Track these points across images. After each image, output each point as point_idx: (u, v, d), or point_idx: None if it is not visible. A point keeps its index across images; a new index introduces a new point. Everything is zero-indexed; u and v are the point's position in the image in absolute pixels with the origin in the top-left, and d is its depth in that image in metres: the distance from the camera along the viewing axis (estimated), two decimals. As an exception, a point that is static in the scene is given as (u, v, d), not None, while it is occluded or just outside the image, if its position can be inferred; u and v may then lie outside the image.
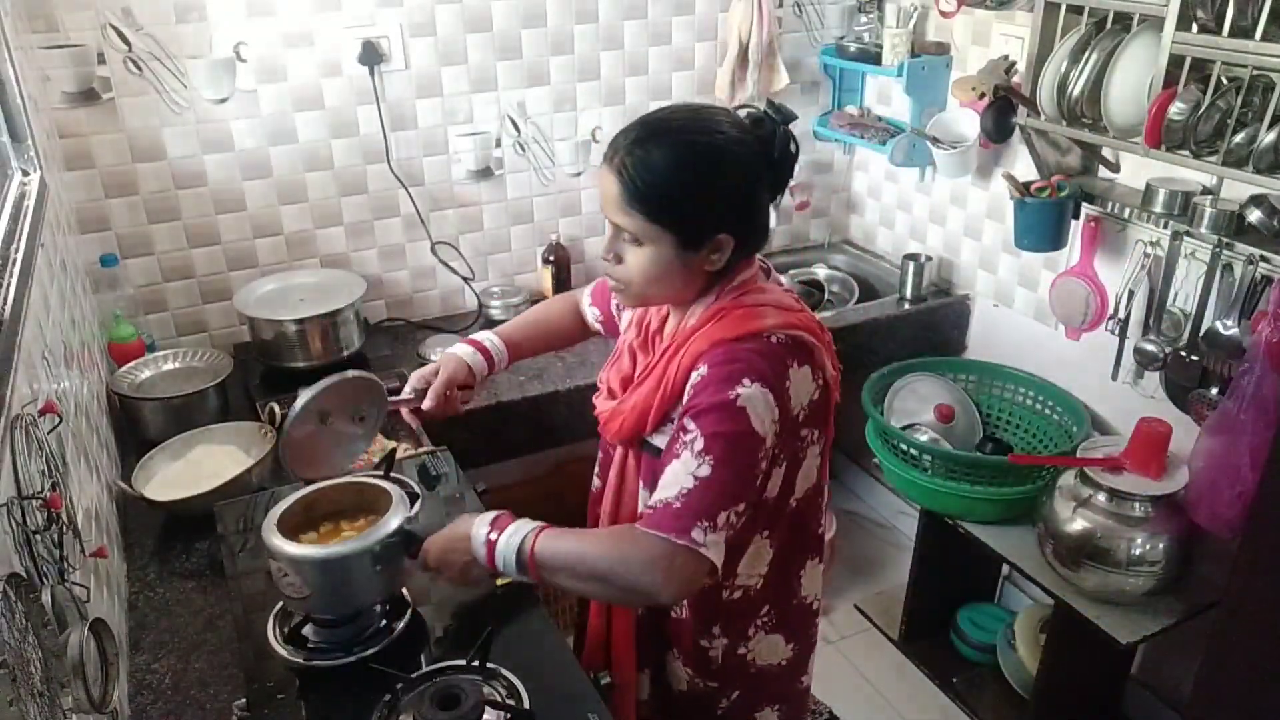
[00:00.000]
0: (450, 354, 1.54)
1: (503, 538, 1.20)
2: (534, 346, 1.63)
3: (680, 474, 1.13)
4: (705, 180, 1.14)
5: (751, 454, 1.14)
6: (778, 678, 1.42)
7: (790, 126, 1.20)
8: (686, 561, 1.11)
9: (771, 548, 1.31)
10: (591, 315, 1.60)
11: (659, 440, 1.25)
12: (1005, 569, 2.64)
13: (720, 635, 1.35)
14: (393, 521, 1.27)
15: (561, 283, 2.63)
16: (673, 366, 1.21)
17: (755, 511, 1.23)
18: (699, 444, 1.13)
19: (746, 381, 1.14)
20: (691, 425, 1.15)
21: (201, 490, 1.66)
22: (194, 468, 1.77)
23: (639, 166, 1.14)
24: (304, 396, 1.34)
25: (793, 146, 1.20)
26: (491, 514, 1.25)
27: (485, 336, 1.57)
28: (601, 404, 1.38)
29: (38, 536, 1.00)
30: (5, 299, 1.13)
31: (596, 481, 1.47)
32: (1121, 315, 2.15)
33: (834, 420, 1.30)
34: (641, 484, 1.33)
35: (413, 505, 1.56)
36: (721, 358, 1.16)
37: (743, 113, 1.21)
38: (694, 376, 1.18)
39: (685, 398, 1.18)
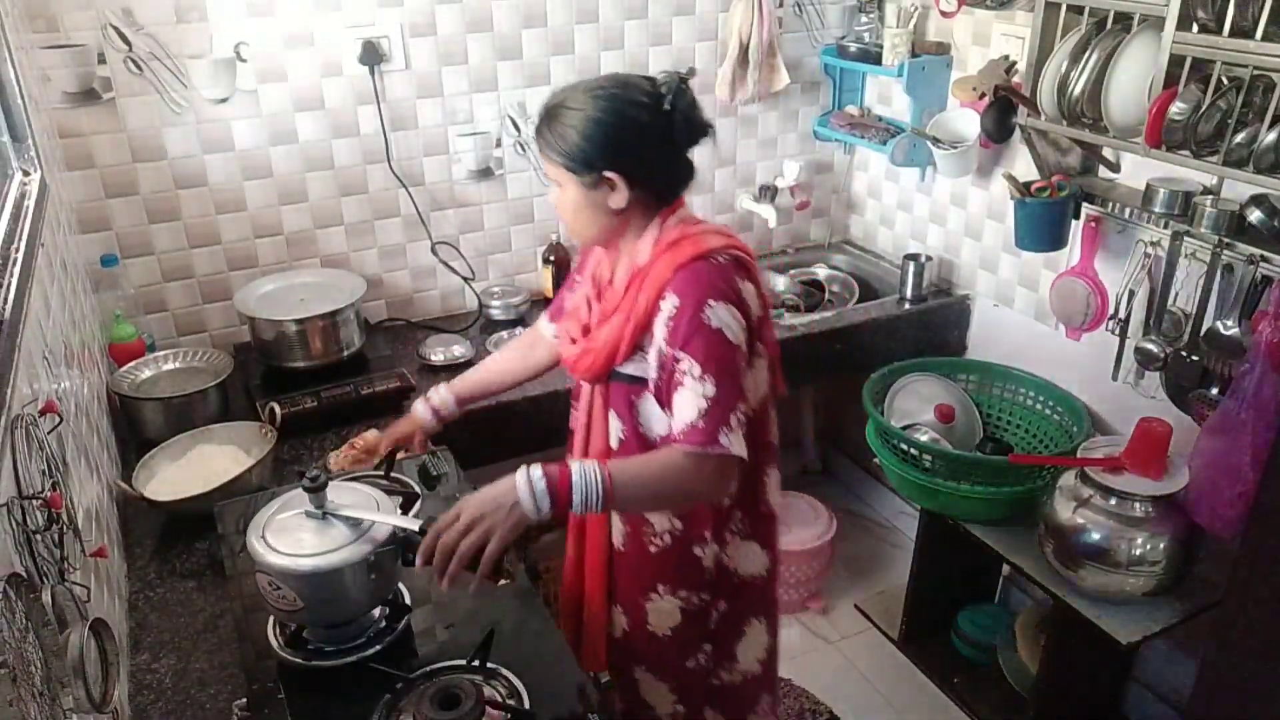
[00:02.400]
0: (406, 419, 1.72)
1: (576, 470, 1.26)
2: (490, 393, 1.77)
3: (692, 399, 1.31)
4: (595, 125, 1.32)
5: (736, 363, 1.34)
6: (759, 589, 1.57)
7: (689, 81, 1.36)
8: (722, 463, 1.31)
9: None
10: (550, 333, 1.71)
11: (630, 369, 1.41)
12: (1005, 569, 2.64)
13: (711, 541, 1.50)
14: (384, 530, 1.26)
15: (561, 282, 2.62)
16: (640, 299, 1.37)
17: None
18: (697, 370, 1.31)
19: (712, 303, 1.32)
20: (683, 356, 1.32)
21: (201, 490, 1.66)
22: (194, 468, 1.77)
23: (548, 119, 1.37)
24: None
25: (687, 97, 1.35)
26: (527, 468, 1.27)
27: (437, 396, 1.72)
28: (567, 349, 1.52)
29: (38, 536, 1.00)
30: (5, 299, 1.13)
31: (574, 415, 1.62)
32: (1122, 315, 2.15)
33: (773, 337, 1.47)
34: (612, 413, 1.47)
35: (413, 505, 1.57)
36: (687, 286, 1.33)
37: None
38: (666, 307, 1.34)
39: (663, 329, 1.34)
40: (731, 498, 1.49)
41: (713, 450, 1.29)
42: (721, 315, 1.32)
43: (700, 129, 1.37)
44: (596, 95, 1.33)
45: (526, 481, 1.23)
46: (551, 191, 1.44)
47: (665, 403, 1.36)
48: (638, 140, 1.34)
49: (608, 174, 1.34)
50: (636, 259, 1.41)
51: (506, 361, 1.80)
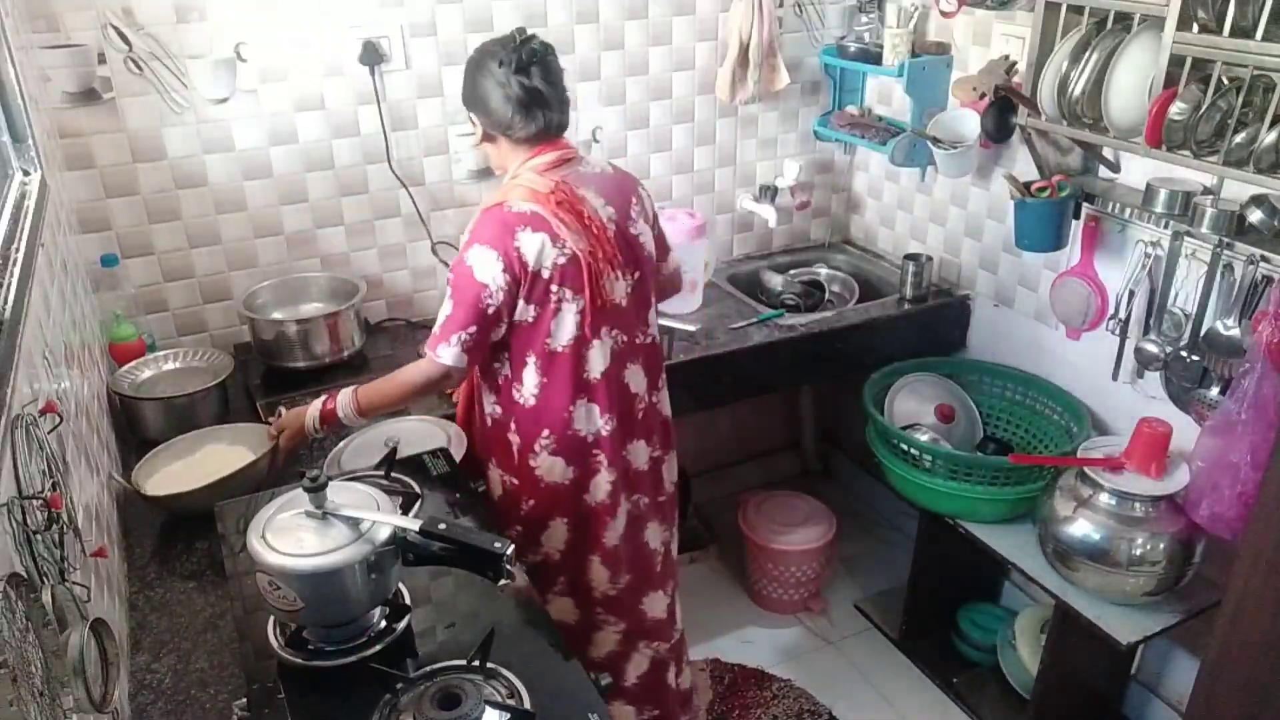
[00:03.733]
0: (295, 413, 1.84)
1: (340, 395, 1.75)
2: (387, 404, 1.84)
3: (439, 313, 1.67)
4: (465, 77, 1.71)
5: (474, 294, 1.62)
6: (564, 494, 1.80)
7: (532, 36, 1.64)
8: (436, 366, 1.67)
9: (540, 375, 1.72)
10: None
11: None
12: (1005, 569, 2.64)
13: (515, 432, 1.78)
14: (385, 530, 1.26)
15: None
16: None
17: (515, 337, 1.69)
18: (447, 293, 1.66)
19: (476, 245, 1.63)
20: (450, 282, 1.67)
21: (199, 485, 1.66)
22: (198, 466, 1.78)
23: None
24: None
25: (526, 51, 1.61)
26: (320, 399, 1.77)
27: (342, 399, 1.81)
28: None
29: (38, 536, 1.00)
30: (6, 299, 1.13)
31: None
32: (1122, 315, 2.15)
33: (595, 294, 1.67)
34: None
35: (413, 505, 1.57)
36: (471, 229, 1.66)
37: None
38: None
39: None
40: (544, 420, 1.75)
41: (432, 355, 1.66)
42: (476, 255, 1.62)
43: (523, 71, 1.63)
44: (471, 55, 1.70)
45: (314, 406, 1.76)
46: None
47: None
48: (482, 86, 1.66)
49: (470, 116, 1.72)
50: None
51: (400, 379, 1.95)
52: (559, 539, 1.84)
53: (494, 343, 1.71)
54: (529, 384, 1.73)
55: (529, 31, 1.65)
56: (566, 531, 1.84)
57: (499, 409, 1.80)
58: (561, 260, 1.64)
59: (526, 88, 1.63)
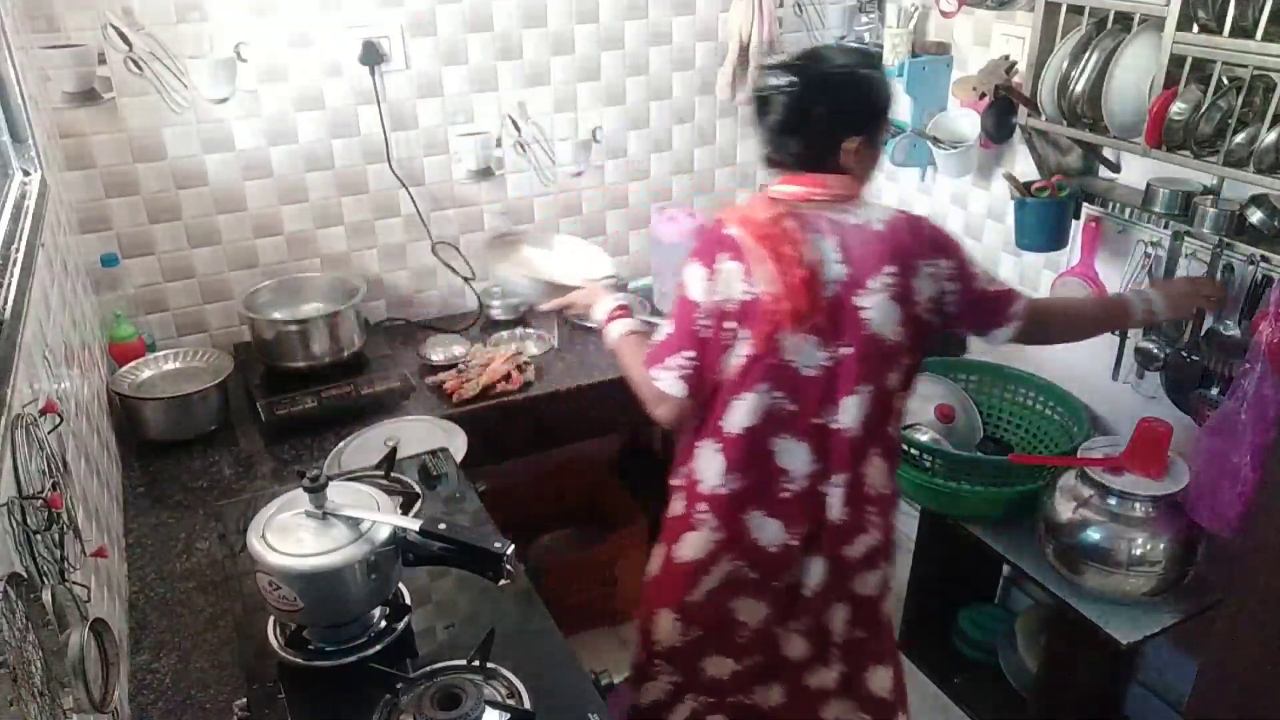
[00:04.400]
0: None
1: (618, 321, 1.68)
2: None
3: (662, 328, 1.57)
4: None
5: (687, 313, 1.51)
6: (669, 531, 1.71)
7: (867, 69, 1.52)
8: (650, 387, 1.56)
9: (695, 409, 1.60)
10: None
11: None
12: (1005, 569, 2.64)
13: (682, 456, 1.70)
14: (385, 530, 1.26)
15: (562, 283, 2.63)
16: None
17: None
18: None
19: (690, 259, 1.52)
20: None
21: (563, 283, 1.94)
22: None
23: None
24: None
25: (826, 74, 1.48)
26: (616, 303, 1.72)
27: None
28: None
29: (38, 536, 1.00)
30: (6, 299, 1.13)
31: None
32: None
33: (769, 345, 1.49)
34: None
35: (413, 505, 1.57)
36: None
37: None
38: None
39: None
40: (679, 455, 1.69)
41: (648, 374, 1.56)
42: (688, 271, 1.51)
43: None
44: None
45: (605, 306, 1.71)
46: None
47: None
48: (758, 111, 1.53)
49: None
50: None
51: None
52: (655, 559, 1.77)
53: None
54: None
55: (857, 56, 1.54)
56: (663, 554, 1.75)
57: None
58: (747, 298, 1.48)
59: (776, 116, 1.50)
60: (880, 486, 1.65)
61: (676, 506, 1.71)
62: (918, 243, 1.53)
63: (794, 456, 1.58)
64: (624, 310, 1.71)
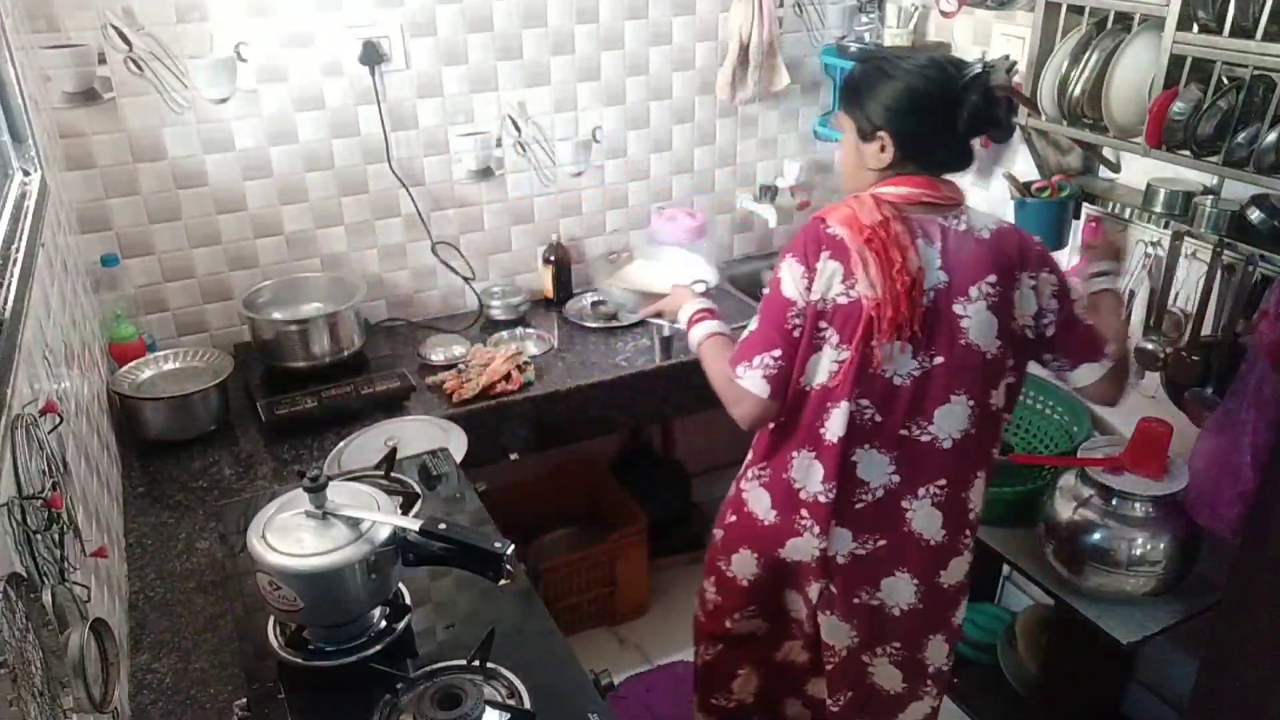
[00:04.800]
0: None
1: (698, 329, 1.70)
2: None
3: (749, 325, 1.54)
4: (877, 75, 1.49)
5: (780, 311, 1.47)
6: (757, 531, 1.68)
7: (993, 73, 1.48)
8: (732, 387, 1.54)
9: (777, 411, 1.55)
10: None
11: None
12: (1005, 569, 2.64)
13: (744, 460, 1.71)
14: (385, 530, 1.26)
15: (562, 283, 2.63)
16: None
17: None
18: (757, 307, 1.53)
19: (787, 256, 1.47)
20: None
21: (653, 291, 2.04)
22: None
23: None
24: None
25: (980, 85, 1.45)
26: (699, 306, 1.74)
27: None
28: None
29: (38, 536, 1.00)
30: (6, 299, 1.13)
31: None
32: (1122, 315, 2.15)
33: (865, 352, 1.45)
34: None
35: (413, 505, 1.57)
36: (794, 237, 1.49)
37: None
38: None
39: None
40: (765, 451, 1.65)
41: (731, 373, 1.53)
42: (785, 267, 1.47)
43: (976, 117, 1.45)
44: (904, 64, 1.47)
45: (688, 310, 1.73)
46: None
47: None
48: (911, 109, 1.45)
49: (881, 133, 1.47)
50: None
51: None
52: (749, 566, 1.72)
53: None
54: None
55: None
56: (756, 568, 1.72)
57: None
58: (843, 300, 1.44)
59: (989, 114, 1.45)
60: (980, 509, 1.64)
61: (762, 509, 1.66)
62: (1022, 254, 1.49)
63: (874, 468, 1.55)
64: (708, 313, 1.72)
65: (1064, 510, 2.00)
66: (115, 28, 2.02)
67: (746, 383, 1.51)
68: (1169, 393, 2.05)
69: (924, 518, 1.59)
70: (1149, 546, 1.91)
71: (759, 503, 1.67)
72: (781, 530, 1.64)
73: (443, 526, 1.25)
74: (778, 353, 1.48)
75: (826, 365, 1.48)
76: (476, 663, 1.22)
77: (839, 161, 1.60)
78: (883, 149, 1.47)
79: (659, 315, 1.90)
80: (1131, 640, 1.92)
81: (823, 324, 1.46)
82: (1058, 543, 2.01)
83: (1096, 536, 1.94)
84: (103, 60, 2.04)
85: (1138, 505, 1.93)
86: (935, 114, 1.44)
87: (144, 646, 1.45)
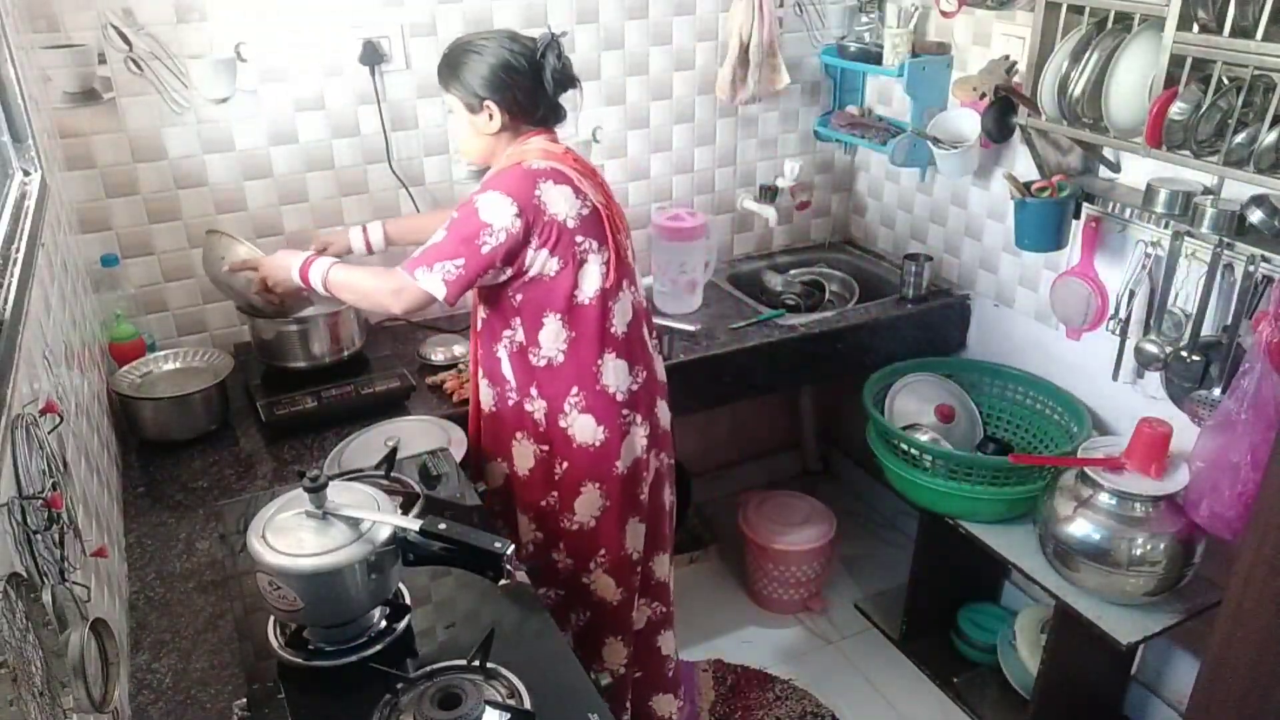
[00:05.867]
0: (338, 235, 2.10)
1: (316, 262, 1.80)
2: (419, 241, 1.84)
3: (429, 241, 1.69)
4: (480, 64, 1.71)
5: (471, 230, 1.63)
6: (595, 457, 1.80)
7: (560, 40, 1.73)
8: (408, 288, 1.67)
9: (567, 330, 1.73)
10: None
11: None
12: (1005, 569, 2.64)
13: (538, 397, 1.78)
14: (385, 530, 1.26)
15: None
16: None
17: (531, 294, 1.70)
18: (444, 225, 1.67)
19: (490, 191, 1.65)
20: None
21: None
22: None
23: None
24: None
25: (557, 43, 1.72)
26: (304, 255, 1.84)
27: (375, 233, 2.09)
28: None
29: (38, 536, 1.00)
30: (6, 299, 1.13)
31: None
32: (1122, 315, 2.15)
33: (617, 246, 1.73)
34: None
35: (413, 505, 1.57)
36: (486, 179, 1.69)
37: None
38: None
39: None
40: (571, 376, 1.77)
41: (407, 275, 1.66)
42: (488, 199, 1.64)
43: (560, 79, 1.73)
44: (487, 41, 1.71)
45: (293, 262, 1.81)
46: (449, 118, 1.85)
47: None
48: (514, 74, 1.69)
49: (488, 103, 1.70)
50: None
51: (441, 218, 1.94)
52: (593, 505, 1.84)
53: (502, 307, 1.74)
54: (550, 343, 1.74)
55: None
56: (600, 498, 1.83)
57: (515, 379, 1.79)
58: (585, 212, 1.69)
59: (567, 73, 1.73)
60: None
61: (587, 433, 1.79)
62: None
63: (649, 336, 1.87)
64: (314, 256, 1.84)
65: (1064, 510, 2.00)
66: (115, 28, 2.02)
67: (425, 283, 1.65)
68: (1169, 393, 2.06)
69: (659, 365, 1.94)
70: (1149, 546, 1.91)
71: (586, 431, 1.79)
72: (614, 440, 1.80)
73: (443, 526, 1.25)
74: (460, 262, 1.64)
75: (596, 271, 1.71)
76: (476, 663, 1.22)
77: (455, 138, 1.83)
78: (491, 116, 1.71)
79: (265, 286, 1.91)
80: (1131, 640, 1.92)
81: (578, 239, 1.68)
82: (1057, 543, 2.01)
83: (1096, 536, 1.94)
84: (103, 60, 2.04)
85: (1138, 505, 1.93)
86: (526, 77, 1.69)
87: (144, 646, 1.45)
